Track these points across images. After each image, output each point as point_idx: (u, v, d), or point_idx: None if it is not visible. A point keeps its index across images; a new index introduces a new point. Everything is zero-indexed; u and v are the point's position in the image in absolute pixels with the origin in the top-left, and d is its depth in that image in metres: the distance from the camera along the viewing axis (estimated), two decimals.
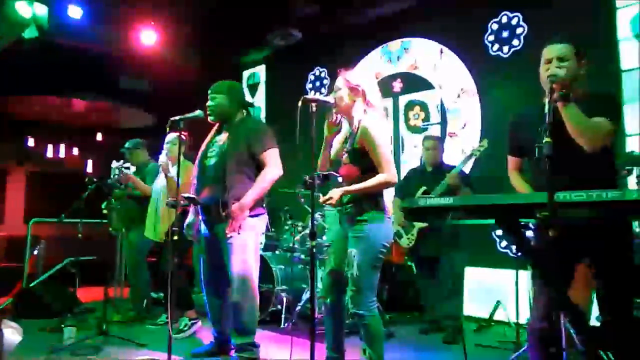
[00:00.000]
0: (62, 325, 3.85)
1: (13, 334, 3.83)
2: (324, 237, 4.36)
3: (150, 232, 4.05)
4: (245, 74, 7.06)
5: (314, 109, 2.27)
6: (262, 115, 6.76)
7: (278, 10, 5.37)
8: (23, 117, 8.15)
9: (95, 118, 8.59)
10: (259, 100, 6.84)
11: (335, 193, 2.36)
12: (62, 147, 8.49)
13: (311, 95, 2.37)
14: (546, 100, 1.86)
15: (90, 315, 4.50)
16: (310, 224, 2.16)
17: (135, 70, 6.85)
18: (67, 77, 6.83)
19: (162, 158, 3.60)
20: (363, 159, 2.36)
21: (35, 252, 5.46)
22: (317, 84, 6.13)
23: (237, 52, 6.76)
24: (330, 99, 2.44)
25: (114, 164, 4.09)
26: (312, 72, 6.17)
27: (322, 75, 6.09)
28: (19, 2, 4.16)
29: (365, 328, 2.30)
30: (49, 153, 8.50)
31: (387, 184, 2.36)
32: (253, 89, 6.93)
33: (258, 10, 5.32)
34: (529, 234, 2.60)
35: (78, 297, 4.90)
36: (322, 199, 2.38)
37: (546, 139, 1.63)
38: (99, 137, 8.67)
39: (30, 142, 8.33)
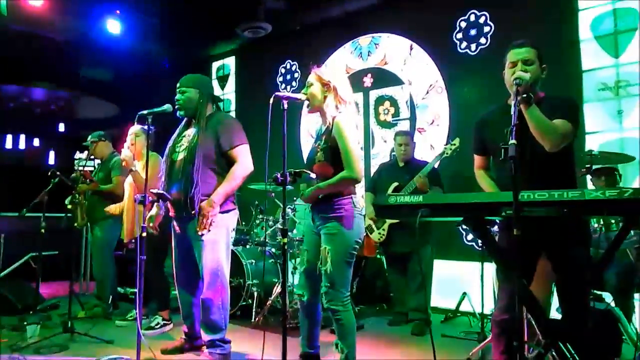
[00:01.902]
0: (25, 323, 3.75)
1: None
2: (295, 231, 4.40)
3: (123, 232, 3.97)
4: (215, 65, 6.97)
5: (285, 105, 2.28)
6: (232, 107, 6.70)
7: (247, 3, 5.31)
8: None
9: (56, 108, 8.32)
10: (229, 92, 6.77)
11: (307, 196, 2.42)
12: (22, 137, 8.17)
13: (283, 92, 2.35)
14: (512, 102, 1.91)
15: (54, 312, 4.40)
16: (281, 219, 2.17)
17: (98, 59, 6.64)
18: (26, 65, 6.59)
19: (125, 152, 3.47)
20: (336, 156, 2.37)
21: None
22: (288, 77, 6.11)
23: (206, 44, 6.66)
24: (301, 95, 2.44)
25: (78, 155, 3.97)
26: (283, 65, 6.14)
27: (293, 68, 6.07)
28: None
29: (339, 323, 2.33)
30: (8, 144, 8.17)
31: (350, 181, 2.37)
32: (223, 80, 6.85)
33: (227, 2, 5.25)
34: (494, 229, 2.72)
35: (41, 294, 4.76)
36: (297, 203, 2.44)
37: (511, 141, 1.68)
38: (61, 127, 8.38)
39: None
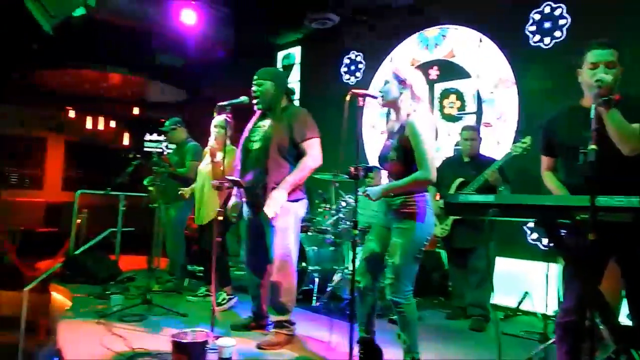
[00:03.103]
0: (107, 292, 4.12)
1: (62, 298, 4.12)
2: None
3: (195, 216, 4.22)
4: (280, 54, 7.13)
5: (362, 102, 2.36)
6: (296, 97, 6.85)
7: None
8: (63, 89, 8.42)
9: (130, 92, 8.83)
10: (293, 80, 6.92)
11: (374, 194, 2.44)
12: (101, 119, 8.76)
13: (359, 90, 2.42)
14: (590, 104, 1.90)
15: (131, 284, 4.76)
16: (352, 212, 2.26)
17: (171, 47, 6.98)
18: (106, 52, 7.05)
19: (211, 142, 3.72)
20: (409, 155, 2.41)
21: (79, 221, 5.74)
22: (352, 67, 6.16)
23: (273, 33, 6.82)
24: (377, 93, 2.51)
25: (148, 137, 4.25)
26: (348, 56, 6.20)
27: (358, 59, 6.11)
28: None
29: (402, 315, 2.41)
30: (88, 125, 8.79)
31: (423, 182, 2.40)
32: (287, 69, 7.00)
33: None
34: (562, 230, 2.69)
35: (119, 266, 5.17)
36: (363, 194, 2.47)
37: (591, 146, 1.69)
38: (135, 110, 8.90)
39: (71, 113, 8.62)
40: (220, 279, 4.09)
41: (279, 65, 7.11)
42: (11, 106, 8.31)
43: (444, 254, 4.60)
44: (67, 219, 5.86)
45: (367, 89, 5.74)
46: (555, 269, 3.60)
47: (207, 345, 2.53)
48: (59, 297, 3.99)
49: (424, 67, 5.33)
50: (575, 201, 1.83)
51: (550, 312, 3.48)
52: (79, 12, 4.63)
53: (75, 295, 4.10)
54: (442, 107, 5.21)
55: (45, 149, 9.29)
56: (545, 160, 2.43)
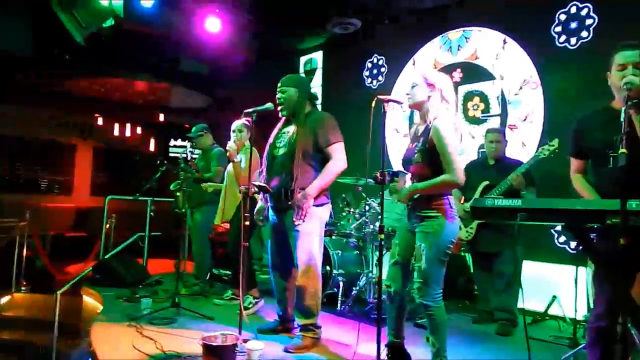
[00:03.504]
0: (137, 296, 4.21)
1: (93, 301, 4.22)
2: (377, 224, 4.51)
3: (218, 216, 4.30)
4: (302, 59, 7.18)
5: (387, 108, 2.38)
6: (319, 101, 6.88)
7: None
8: (91, 96, 8.65)
9: (156, 98, 9.02)
10: (315, 85, 6.96)
11: (403, 195, 2.47)
12: (128, 125, 8.97)
13: (384, 96, 2.45)
14: (620, 106, 1.88)
15: (159, 287, 4.86)
16: (379, 216, 2.27)
17: (196, 54, 7.11)
18: (132, 59, 7.23)
19: (230, 144, 3.82)
20: (434, 158, 2.42)
21: (107, 226, 5.89)
22: (375, 71, 6.17)
23: (295, 38, 6.88)
24: (403, 99, 2.52)
25: (172, 142, 4.37)
26: (370, 60, 6.22)
27: (380, 62, 6.12)
28: None
29: (431, 318, 2.42)
30: (115, 132, 9.00)
31: (451, 185, 2.42)
32: (309, 74, 7.05)
33: None
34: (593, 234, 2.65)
35: (147, 270, 5.28)
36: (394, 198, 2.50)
37: (622, 150, 1.67)
38: (161, 117, 9.08)
39: (99, 120, 8.84)
40: (246, 283, 4.16)
41: (301, 70, 7.16)
42: (40, 113, 8.57)
43: (469, 257, 4.57)
44: (96, 224, 6.02)
45: (389, 92, 5.81)
46: (584, 273, 3.55)
47: (237, 348, 2.58)
48: (91, 300, 4.10)
49: (447, 70, 5.31)
50: (606, 205, 1.81)
51: (579, 317, 3.43)
52: (109, 22, 4.77)
53: (105, 298, 4.21)
54: (465, 110, 5.18)
55: (74, 155, 9.54)
56: (574, 163, 2.41)
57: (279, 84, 3.23)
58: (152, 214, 4.80)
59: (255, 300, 4.05)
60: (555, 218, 1.94)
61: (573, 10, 4.38)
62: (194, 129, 4.80)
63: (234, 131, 4.12)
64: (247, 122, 4.01)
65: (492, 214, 2.07)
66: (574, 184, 2.45)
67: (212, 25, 5.93)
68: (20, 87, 7.59)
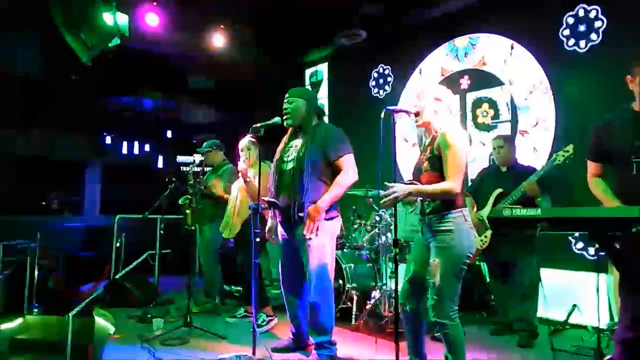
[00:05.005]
0: (149, 316, 4.16)
1: (105, 322, 4.18)
2: (389, 235, 4.45)
3: (225, 231, 4.25)
4: (308, 71, 7.17)
5: (396, 119, 2.34)
6: (325, 113, 6.86)
7: (342, 10, 5.42)
8: (100, 114, 8.71)
9: (164, 115, 9.07)
10: (321, 97, 6.94)
11: (399, 190, 2.31)
12: (136, 143, 9.00)
13: (393, 107, 2.40)
14: None
15: (170, 306, 4.80)
16: (391, 227, 2.21)
17: (203, 70, 7.14)
18: (140, 77, 7.28)
19: (241, 165, 3.79)
20: (442, 166, 2.37)
21: (118, 244, 5.86)
22: (381, 81, 6.14)
23: (300, 51, 6.88)
24: (412, 109, 2.48)
25: (180, 158, 4.35)
26: (376, 70, 6.19)
27: (386, 72, 6.09)
28: (106, 13, 4.44)
29: (447, 336, 2.34)
30: (124, 150, 9.04)
31: (449, 193, 2.32)
32: (315, 86, 7.03)
33: (322, 10, 5.39)
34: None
35: (158, 289, 5.23)
36: (383, 193, 2.31)
37: None
38: (169, 134, 9.11)
39: (108, 139, 8.89)
40: (258, 300, 4.09)
41: (307, 82, 7.15)
42: (49, 132, 8.62)
43: (484, 266, 4.47)
44: (106, 242, 5.98)
45: (396, 101, 5.76)
46: (604, 280, 3.45)
47: None
48: (103, 322, 4.06)
49: (455, 77, 5.27)
50: (630, 212, 1.74)
51: (602, 325, 3.33)
52: (114, 42, 4.78)
53: (116, 318, 4.16)
54: (475, 117, 5.12)
55: (83, 174, 9.57)
56: (592, 166, 2.34)
57: (287, 95, 3.20)
58: (161, 231, 4.78)
59: (269, 318, 3.98)
60: (578, 227, 1.88)
61: (581, 13, 4.33)
62: (204, 144, 4.77)
63: (242, 150, 4.06)
64: (252, 139, 3.96)
65: (511, 224, 2.01)
66: (591, 188, 2.37)
67: (217, 40, 5.95)
68: (31, 108, 7.65)
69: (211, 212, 4.60)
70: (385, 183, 2.35)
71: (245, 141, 4.04)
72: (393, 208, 2.41)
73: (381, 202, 2.30)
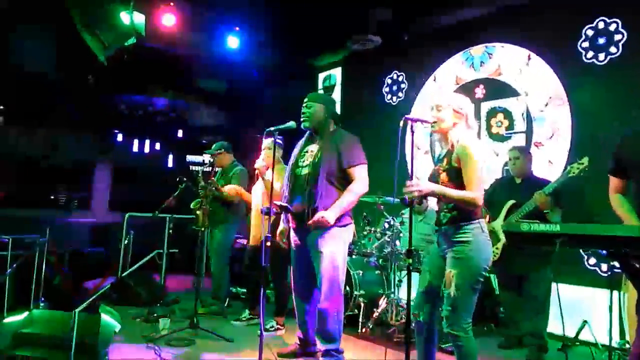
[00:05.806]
0: (155, 315, 4.15)
1: (111, 319, 4.17)
2: (398, 243, 4.41)
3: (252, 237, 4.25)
4: (321, 76, 7.16)
5: (414, 128, 2.31)
6: None
7: (356, 15, 5.41)
8: (111, 113, 8.76)
9: (175, 115, 9.10)
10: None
11: (424, 185, 2.29)
12: (147, 142, 9.04)
13: (412, 116, 2.38)
14: None
15: (176, 306, 4.79)
16: (400, 234, 2.17)
17: (215, 71, 7.15)
18: (152, 77, 7.31)
19: (259, 162, 3.79)
20: (460, 178, 2.35)
21: (126, 242, 5.86)
22: (394, 87, 6.11)
23: (314, 55, 6.87)
24: (431, 119, 2.45)
25: (189, 158, 4.34)
26: (390, 76, 6.16)
27: (400, 79, 6.06)
28: (123, 12, 4.46)
29: (460, 349, 2.30)
30: (135, 148, 9.08)
31: (471, 203, 2.30)
32: (328, 91, 7.01)
33: (336, 15, 5.39)
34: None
35: (165, 288, 5.22)
36: (409, 182, 2.26)
37: None
38: (179, 133, 9.14)
39: (119, 137, 8.93)
40: (277, 307, 4.08)
41: (320, 86, 7.14)
42: (60, 130, 8.67)
43: (494, 278, 4.42)
44: (113, 240, 5.98)
45: (410, 108, 5.73)
46: (616, 297, 3.38)
47: None
48: (108, 319, 4.05)
49: (470, 86, 5.23)
50: None
51: (614, 344, 3.27)
52: (131, 41, 4.81)
53: (122, 316, 4.15)
54: (489, 127, 5.07)
55: (92, 172, 9.61)
56: (614, 182, 2.29)
57: (306, 99, 3.20)
58: (170, 231, 4.78)
59: (279, 327, 3.96)
60: (596, 244, 1.83)
61: (601, 25, 4.28)
62: (213, 146, 4.76)
63: (264, 149, 4.06)
64: (279, 140, 3.95)
65: (528, 239, 1.97)
66: (612, 204, 2.33)
67: (232, 42, 5.96)
68: (43, 107, 7.70)
69: (221, 215, 4.59)
70: (403, 196, 2.30)
71: (269, 140, 3.99)
72: (408, 217, 2.37)
73: (404, 189, 2.26)
